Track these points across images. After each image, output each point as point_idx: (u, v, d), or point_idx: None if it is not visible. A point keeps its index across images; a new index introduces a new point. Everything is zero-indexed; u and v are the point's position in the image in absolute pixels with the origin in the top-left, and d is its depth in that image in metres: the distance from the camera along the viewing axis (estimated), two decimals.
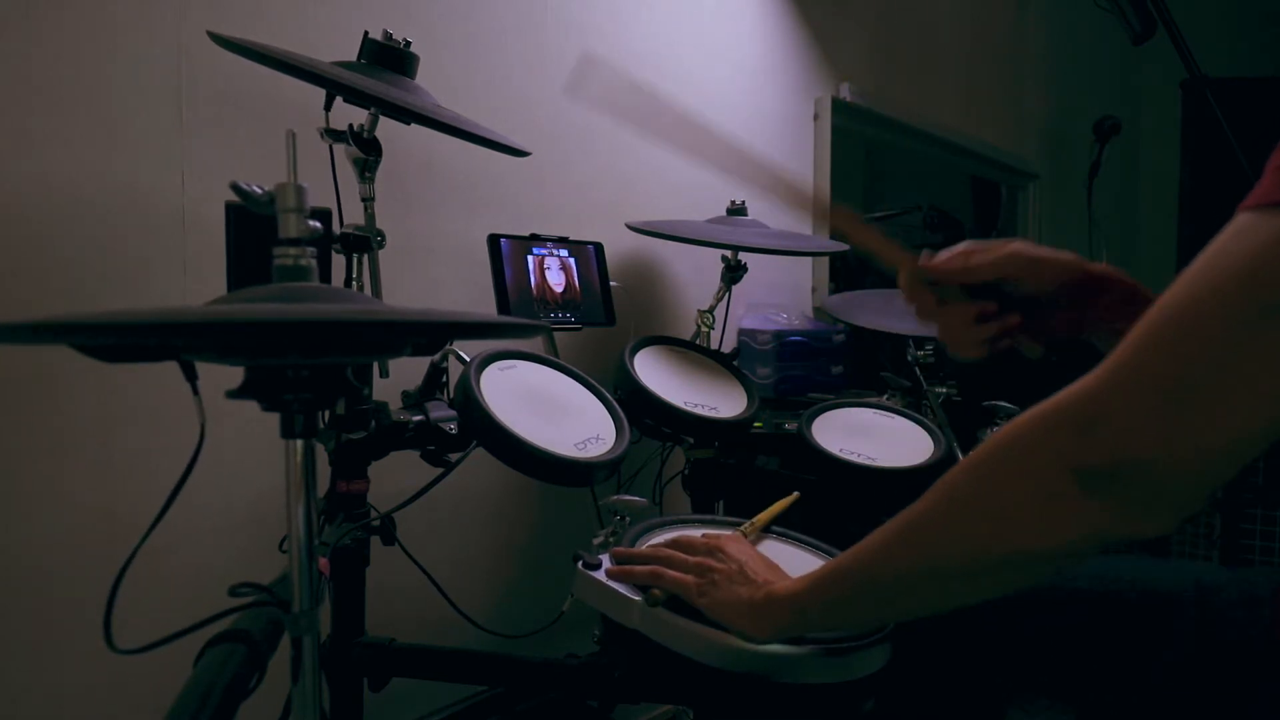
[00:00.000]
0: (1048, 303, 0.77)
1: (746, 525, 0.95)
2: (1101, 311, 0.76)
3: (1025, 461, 0.55)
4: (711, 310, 1.60)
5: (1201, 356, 0.48)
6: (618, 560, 0.85)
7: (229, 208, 0.87)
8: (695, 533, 0.90)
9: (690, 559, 0.80)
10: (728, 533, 0.87)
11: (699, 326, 1.58)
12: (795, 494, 1.04)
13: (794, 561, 0.90)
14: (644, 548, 0.88)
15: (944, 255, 0.76)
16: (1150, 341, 0.50)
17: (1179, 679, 0.71)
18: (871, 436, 1.34)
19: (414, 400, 1.07)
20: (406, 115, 0.99)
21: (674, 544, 0.85)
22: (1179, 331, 0.49)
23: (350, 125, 1.00)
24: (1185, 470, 0.49)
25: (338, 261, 0.99)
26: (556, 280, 1.37)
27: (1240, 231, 0.49)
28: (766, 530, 0.97)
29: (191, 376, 0.57)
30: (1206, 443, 0.48)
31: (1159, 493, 0.50)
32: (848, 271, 2.56)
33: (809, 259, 2.32)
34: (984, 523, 0.58)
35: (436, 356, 1.08)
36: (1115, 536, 0.53)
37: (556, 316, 1.35)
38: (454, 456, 1.01)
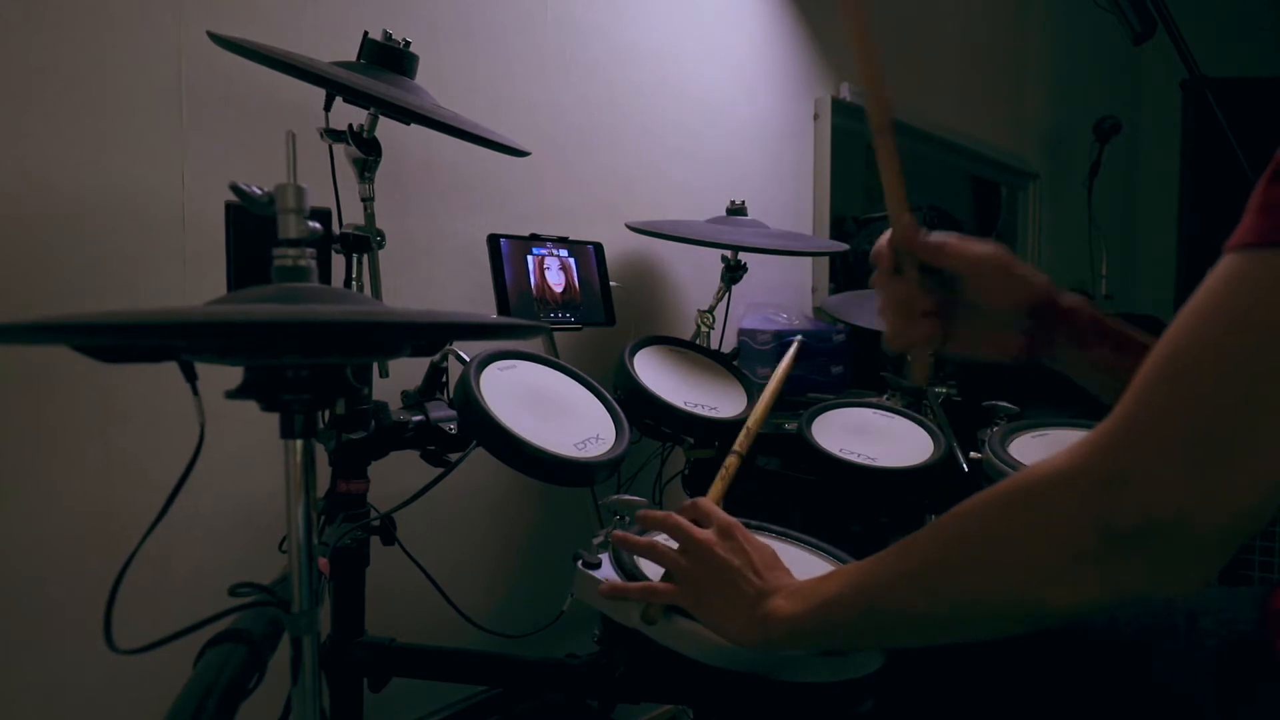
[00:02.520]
0: (1008, 319, 0.75)
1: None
2: (1063, 339, 0.75)
3: (1048, 519, 0.53)
4: (711, 310, 1.60)
5: (1223, 408, 0.47)
6: (618, 544, 0.85)
7: (229, 208, 0.87)
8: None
9: (685, 563, 0.78)
10: (724, 517, 0.83)
11: (699, 326, 1.58)
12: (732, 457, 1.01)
13: (796, 562, 0.90)
14: (642, 541, 0.87)
15: (928, 234, 0.75)
16: (1165, 393, 0.49)
17: (1169, 699, 0.71)
18: (871, 436, 1.33)
19: (414, 400, 1.07)
20: (406, 115, 0.99)
21: (667, 526, 0.82)
22: (1193, 383, 0.48)
23: (350, 125, 1.00)
24: (1216, 524, 0.48)
25: (338, 261, 0.99)
26: (556, 280, 1.37)
27: (1233, 276, 0.48)
28: (763, 530, 0.97)
29: (191, 377, 0.57)
30: (1236, 495, 0.47)
31: (1190, 549, 0.49)
32: (848, 271, 2.56)
33: (809, 259, 2.32)
34: (1002, 577, 0.56)
35: (436, 357, 1.08)
36: (1142, 595, 0.52)
37: (556, 316, 1.35)
38: (454, 456, 1.01)
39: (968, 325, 0.77)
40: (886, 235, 0.76)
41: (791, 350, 1.02)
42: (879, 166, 0.75)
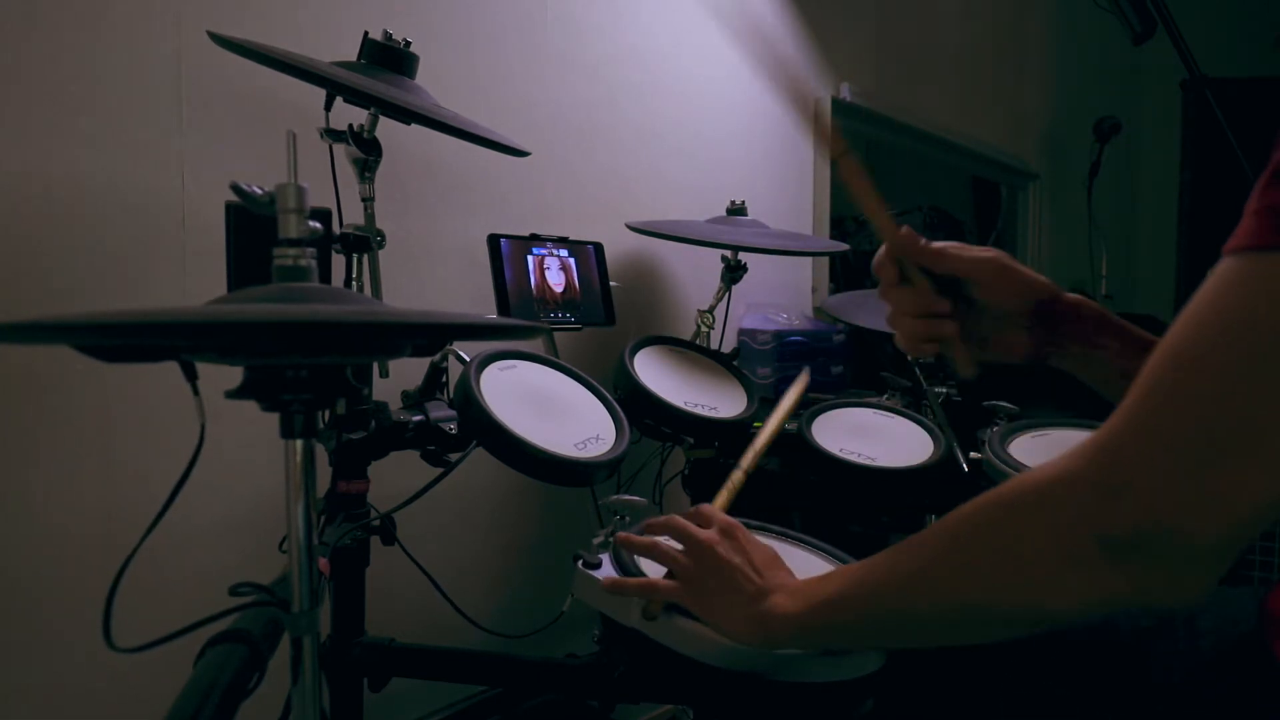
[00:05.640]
0: (1013, 320, 0.77)
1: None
2: (1068, 337, 0.76)
3: (1045, 522, 0.53)
4: (711, 310, 1.60)
5: (1222, 416, 0.46)
6: (620, 546, 0.85)
7: (229, 208, 0.87)
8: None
9: (686, 562, 0.78)
10: (725, 518, 0.84)
11: (699, 326, 1.58)
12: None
13: (796, 563, 0.90)
14: (644, 539, 0.87)
15: (927, 241, 0.76)
16: (1164, 398, 0.49)
17: (1167, 700, 0.71)
18: (871, 436, 1.33)
19: (414, 400, 1.07)
20: (406, 115, 0.99)
21: (669, 529, 0.83)
22: (1191, 392, 0.48)
23: (350, 125, 1.00)
24: (1214, 535, 0.47)
25: (338, 261, 0.99)
26: (556, 280, 1.37)
27: (1231, 279, 0.48)
28: (763, 530, 0.97)
29: (191, 376, 0.57)
30: (1234, 507, 0.46)
31: (1187, 559, 0.48)
32: (848, 271, 2.56)
33: (809, 259, 2.32)
34: (998, 578, 0.56)
35: (436, 357, 1.08)
36: (1135, 605, 0.51)
37: (556, 316, 1.35)
38: (454, 456, 1.01)
39: (973, 327, 0.78)
40: (884, 248, 0.77)
41: (801, 382, 1.00)
42: (853, 194, 0.77)
